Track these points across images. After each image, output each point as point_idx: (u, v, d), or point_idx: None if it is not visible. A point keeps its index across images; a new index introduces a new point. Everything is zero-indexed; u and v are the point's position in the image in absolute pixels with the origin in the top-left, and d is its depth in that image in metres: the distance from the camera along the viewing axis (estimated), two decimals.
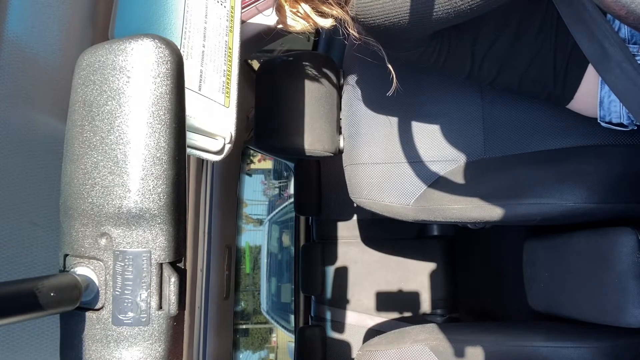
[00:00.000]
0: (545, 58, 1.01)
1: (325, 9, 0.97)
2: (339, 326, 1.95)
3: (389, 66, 1.03)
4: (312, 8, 0.98)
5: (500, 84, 1.07)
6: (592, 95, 1.02)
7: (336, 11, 0.96)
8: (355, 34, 0.98)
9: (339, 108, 1.34)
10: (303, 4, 0.97)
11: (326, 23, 0.99)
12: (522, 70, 1.03)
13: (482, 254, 1.89)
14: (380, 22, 0.90)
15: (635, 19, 0.56)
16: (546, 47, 1.01)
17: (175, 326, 0.48)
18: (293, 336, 2.10)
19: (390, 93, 1.06)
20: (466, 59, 1.03)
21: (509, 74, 1.05)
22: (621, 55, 0.78)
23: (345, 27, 0.98)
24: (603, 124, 1.04)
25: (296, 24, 0.99)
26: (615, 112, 1.01)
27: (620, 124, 1.02)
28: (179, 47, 0.51)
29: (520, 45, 1.01)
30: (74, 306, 0.44)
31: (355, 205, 1.45)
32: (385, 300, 1.92)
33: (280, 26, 1.03)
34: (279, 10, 0.99)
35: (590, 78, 1.01)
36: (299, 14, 0.98)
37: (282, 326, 4.13)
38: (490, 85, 1.10)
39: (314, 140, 1.26)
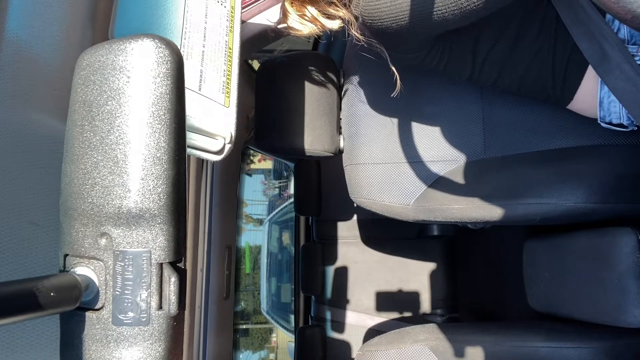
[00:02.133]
0: (544, 59, 1.01)
1: (331, 10, 0.97)
2: (339, 326, 1.95)
3: (392, 68, 1.02)
4: (319, 11, 0.97)
5: (501, 86, 1.08)
6: (591, 95, 1.02)
7: (343, 12, 0.96)
8: (359, 36, 0.98)
9: (339, 108, 1.34)
10: (310, 7, 0.97)
11: (333, 25, 0.98)
12: (521, 72, 1.03)
13: (482, 254, 1.89)
14: (386, 23, 0.90)
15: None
16: (545, 49, 1.01)
17: (175, 326, 0.48)
18: (293, 336, 2.10)
19: (394, 94, 1.06)
20: (467, 62, 1.03)
21: (509, 77, 1.05)
22: (620, 57, 0.78)
23: (349, 28, 0.97)
24: (603, 125, 1.04)
25: (303, 27, 0.99)
26: (615, 112, 1.01)
27: (620, 125, 1.02)
28: (179, 47, 0.51)
29: (520, 47, 1.01)
30: (74, 306, 0.44)
31: (355, 205, 1.44)
32: (385, 300, 1.92)
33: (286, 29, 1.03)
34: (286, 14, 0.99)
35: (590, 79, 1.01)
36: (306, 17, 0.98)
37: (282, 326, 4.13)
38: (490, 87, 1.10)
39: (314, 140, 1.26)
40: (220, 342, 1.54)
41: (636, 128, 1.02)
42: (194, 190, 1.36)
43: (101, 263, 0.46)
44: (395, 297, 1.92)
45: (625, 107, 0.83)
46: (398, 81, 1.04)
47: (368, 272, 1.95)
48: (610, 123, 1.03)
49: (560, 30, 0.98)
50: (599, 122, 1.05)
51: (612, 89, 0.82)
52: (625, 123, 1.01)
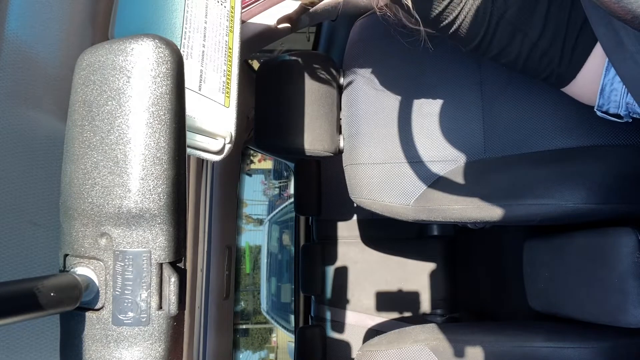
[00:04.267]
0: (558, 30, 0.98)
1: None
2: (339, 326, 1.95)
3: (415, 14, 0.99)
4: None
5: (507, 56, 1.03)
6: (593, 78, 0.99)
7: None
8: None
9: (339, 108, 1.34)
10: None
11: None
12: (534, 39, 0.99)
13: (482, 254, 1.89)
14: None
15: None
16: (562, 18, 0.98)
17: (175, 326, 0.48)
18: (293, 336, 2.10)
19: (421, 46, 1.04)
20: (482, 22, 0.99)
21: (519, 43, 1.00)
22: (636, 46, 0.77)
23: None
24: (599, 114, 1.02)
25: None
26: (615, 102, 0.99)
27: (616, 115, 1.01)
28: (179, 47, 0.51)
29: (537, 12, 0.98)
30: (74, 306, 0.44)
31: (355, 205, 1.45)
32: (385, 300, 1.92)
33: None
34: None
35: (596, 57, 0.97)
36: None
37: (282, 326, 4.14)
38: (495, 58, 1.05)
39: (314, 140, 1.26)
40: (220, 342, 1.54)
41: (631, 120, 1.00)
42: (194, 190, 1.36)
43: (101, 263, 0.46)
44: (395, 297, 1.92)
45: (635, 98, 0.82)
46: (424, 36, 1.01)
47: (368, 272, 1.95)
48: (606, 112, 1.02)
49: (577, 2, 0.95)
50: (595, 109, 1.03)
51: (622, 77, 0.81)
52: (622, 113, 0.99)
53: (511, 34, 1.00)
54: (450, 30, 1.02)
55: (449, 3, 0.97)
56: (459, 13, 0.99)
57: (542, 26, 0.98)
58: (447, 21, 1.00)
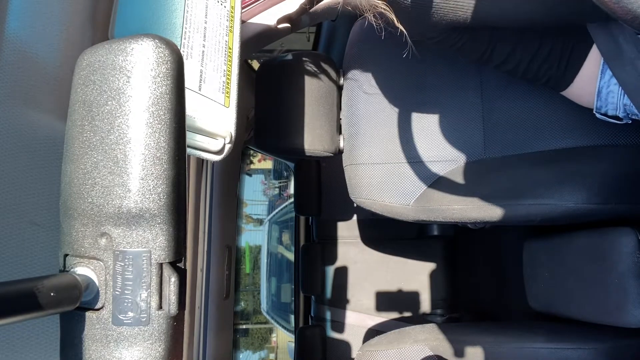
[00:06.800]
0: (556, 37, 0.98)
1: None
2: (339, 326, 1.95)
3: (409, 40, 0.98)
4: None
5: (508, 65, 1.03)
6: (591, 82, 1.00)
7: None
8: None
9: (339, 108, 1.34)
10: None
11: None
12: (534, 49, 1.00)
13: (482, 254, 1.89)
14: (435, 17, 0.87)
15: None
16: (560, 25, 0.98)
17: (175, 326, 0.48)
18: (293, 336, 2.10)
19: (404, 54, 1.02)
20: (484, 43, 1.00)
21: (520, 54, 1.01)
22: (635, 52, 0.77)
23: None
24: (598, 116, 1.03)
25: None
26: (612, 104, 0.99)
27: (616, 117, 1.01)
28: (179, 47, 0.51)
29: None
30: (74, 306, 0.44)
31: (355, 205, 1.45)
32: (385, 300, 1.92)
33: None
34: None
35: (592, 61, 0.98)
36: None
37: (282, 326, 4.13)
38: (496, 67, 1.06)
39: (314, 140, 1.26)
40: (220, 342, 1.54)
41: (630, 121, 1.01)
42: (194, 190, 1.36)
43: (101, 263, 0.46)
44: (395, 297, 1.92)
45: (634, 104, 0.82)
46: (410, 44, 1.00)
47: (368, 272, 1.95)
48: (605, 114, 1.02)
49: None
50: (594, 112, 1.03)
51: (622, 83, 0.81)
52: (620, 115, 1.00)
53: (512, 47, 1.00)
54: (450, 49, 1.02)
55: (446, 37, 0.97)
56: (455, 42, 0.99)
57: (541, 35, 0.98)
58: (444, 46, 1.00)
